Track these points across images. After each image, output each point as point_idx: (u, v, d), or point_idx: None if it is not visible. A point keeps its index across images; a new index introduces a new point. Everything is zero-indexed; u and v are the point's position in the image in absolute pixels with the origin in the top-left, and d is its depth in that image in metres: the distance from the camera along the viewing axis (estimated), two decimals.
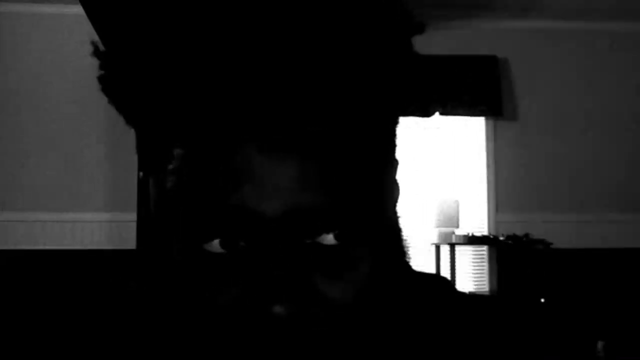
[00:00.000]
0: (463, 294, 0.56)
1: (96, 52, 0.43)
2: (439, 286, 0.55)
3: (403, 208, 0.46)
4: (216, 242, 0.40)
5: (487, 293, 4.44)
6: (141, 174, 0.55)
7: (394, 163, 0.46)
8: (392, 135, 0.45)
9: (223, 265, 0.40)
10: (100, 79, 0.42)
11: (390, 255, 0.44)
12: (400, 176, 0.45)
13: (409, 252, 0.49)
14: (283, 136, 0.38)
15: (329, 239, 0.40)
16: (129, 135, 3.73)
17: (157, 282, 0.42)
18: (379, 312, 0.43)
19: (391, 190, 0.45)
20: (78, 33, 4.20)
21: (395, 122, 0.45)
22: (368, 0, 0.40)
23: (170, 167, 0.40)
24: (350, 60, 0.38)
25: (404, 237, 0.46)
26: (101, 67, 0.42)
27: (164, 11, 0.39)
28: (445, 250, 4.22)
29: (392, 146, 0.45)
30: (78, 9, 2.92)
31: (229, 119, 0.37)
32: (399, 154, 0.46)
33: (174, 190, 0.40)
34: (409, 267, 0.50)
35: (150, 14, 0.39)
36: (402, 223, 0.46)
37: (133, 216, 3.50)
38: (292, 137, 0.38)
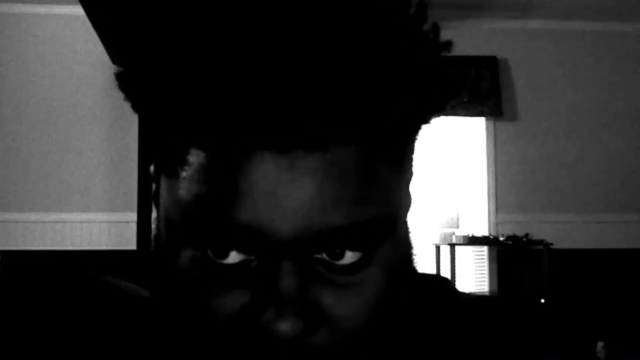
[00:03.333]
0: (464, 294, 0.55)
1: (116, 48, 0.41)
2: (440, 287, 0.54)
3: (412, 219, 0.46)
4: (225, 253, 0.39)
5: (487, 293, 4.44)
6: (152, 169, 0.54)
7: (409, 175, 0.46)
8: (411, 151, 0.45)
9: (230, 276, 0.39)
10: (118, 75, 0.41)
11: (400, 273, 0.43)
12: (413, 188, 0.45)
13: (416, 267, 0.48)
14: (302, 154, 0.37)
15: (340, 257, 0.39)
16: (130, 136, 3.72)
17: (159, 288, 0.41)
18: (387, 332, 0.42)
19: (406, 205, 0.45)
20: (82, 34, 4.20)
21: (415, 138, 0.44)
22: (397, 14, 0.40)
23: (184, 174, 0.39)
24: (373, 75, 0.38)
25: (414, 253, 0.46)
26: (119, 63, 0.41)
27: (182, 7, 0.38)
28: (445, 250, 4.22)
29: (410, 161, 0.45)
30: (76, 10, 2.92)
31: (247, 130, 0.37)
32: (415, 167, 0.45)
33: (186, 198, 0.39)
34: (413, 272, 0.50)
35: (170, 10, 0.39)
36: (413, 238, 0.45)
37: (133, 216, 3.49)
38: (311, 155, 0.37)
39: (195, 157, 0.39)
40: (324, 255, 0.39)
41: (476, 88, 4.44)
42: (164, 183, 0.42)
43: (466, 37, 4.49)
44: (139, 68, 0.40)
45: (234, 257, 0.39)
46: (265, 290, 0.38)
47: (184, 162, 0.39)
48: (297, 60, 0.36)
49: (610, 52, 4.75)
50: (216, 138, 0.37)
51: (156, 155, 0.43)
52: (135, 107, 0.41)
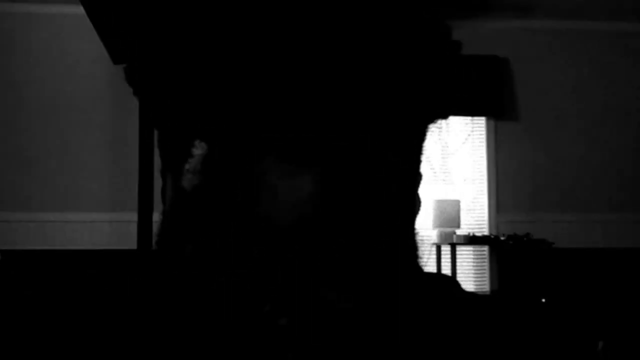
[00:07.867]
0: (470, 293, 0.55)
1: (117, 47, 0.43)
2: (446, 287, 0.54)
3: (419, 222, 0.46)
4: (226, 246, 0.39)
5: (487, 293, 4.44)
6: (160, 168, 0.55)
7: (418, 177, 0.46)
8: (419, 150, 0.45)
9: (232, 270, 0.39)
10: (126, 69, 0.42)
11: (403, 271, 0.43)
12: (421, 190, 0.45)
13: (422, 269, 0.48)
14: (303, 149, 0.37)
15: (339, 251, 0.39)
16: (130, 136, 3.71)
17: (162, 282, 0.42)
18: (386, 324, 0.42)
19: (412, 205, 0.45)
20: (82, 34, 4.19)
21: (423, 138, 0.44)
22: (411, 15, 0.40)
23: (188, 166, 0.40)
24: (382, 75, 0.38)
25: (419, 254, 0.46)
26: (128, 58, 0.42)
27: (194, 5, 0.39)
28: (446, 250, 4.22)
29: (417, 160, 0.45)
30: (77, 10, 2.91)
31: (250, 125, 0.37)
32: (422, 168, 0.45)
33: (189, 190, 0.40)
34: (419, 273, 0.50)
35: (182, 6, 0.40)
36: (419, 240, 0.45)
37: (134, 216, 3.50)
38: (313, 150, 0.37)
39: (199, 150, 0.40)
40: (324, 251, 0.39)
41: (477, 88, 4.43)
42: (169, 177, 0.43)
43: (467, 37, 4.47)
44: (147, 61, 0.41)
45: (234, 251, 0.39)
46: (265, 282, 0.38)
47: (188, 154, 0.40)
48: (305, 55, 0.37)
49: (611, 51, 4.75)
50: (221, 131, 0.38)
51: (162, 150, 0.44)
52: (142, 101, 0.42)
